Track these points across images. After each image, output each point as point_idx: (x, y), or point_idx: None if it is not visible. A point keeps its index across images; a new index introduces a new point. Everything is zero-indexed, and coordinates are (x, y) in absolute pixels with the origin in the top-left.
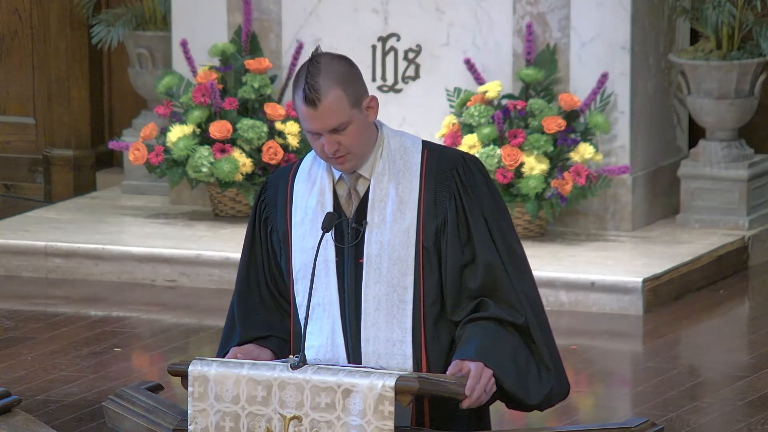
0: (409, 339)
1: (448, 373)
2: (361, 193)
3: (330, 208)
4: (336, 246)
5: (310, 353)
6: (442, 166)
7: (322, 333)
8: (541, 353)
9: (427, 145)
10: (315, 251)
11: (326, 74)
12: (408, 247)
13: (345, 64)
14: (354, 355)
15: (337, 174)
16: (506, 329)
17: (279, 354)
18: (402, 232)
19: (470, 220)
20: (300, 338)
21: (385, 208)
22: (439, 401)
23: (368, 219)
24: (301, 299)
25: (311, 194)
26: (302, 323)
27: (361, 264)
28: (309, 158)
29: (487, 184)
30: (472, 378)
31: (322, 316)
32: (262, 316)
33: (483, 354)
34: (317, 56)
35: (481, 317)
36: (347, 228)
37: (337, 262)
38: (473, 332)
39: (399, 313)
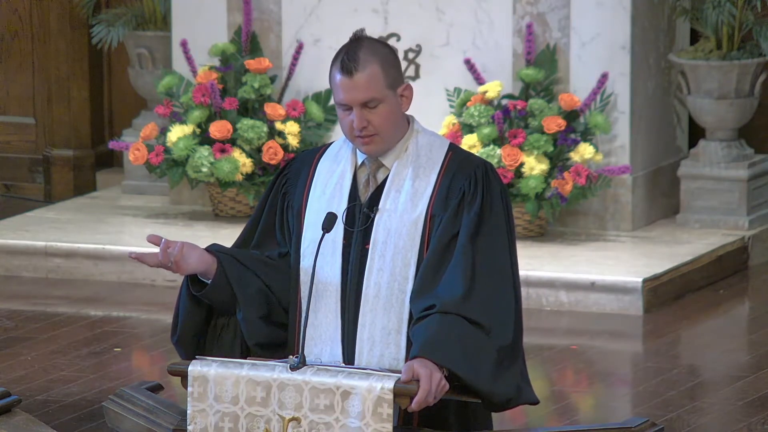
0: (405, 329)
1: (401, 379)
2: (380, 181)
3: (347, 191)
4: (345, 229)
5: (310, 331)
6: (462, 167)
7: (320, 310)
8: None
9: (453, 147)
10: (317, 247)
11: (367, 50)
12: (414, 238)
13: (387, 47)
14: (349, 338)
15: (360, 159)
16: (453, 319)
17: (224, 267)
18: (411, 223)
19: (466, 213)
20: (300, 323)
21: (399, 198)
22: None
23: (380, 205)
24: (304, 276)
25: (333, 174)
26: (303, 322)
27: (367, 249)
28: (339, 142)
29: (502, 194)
30: (423, 383)
31: (323, 296)
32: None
33: (427, 349)
34: (360, 36)
35: (428, 314)
36: (359, 212)
37: (344, 245)
38: (418, 331)
39: (397, 303)
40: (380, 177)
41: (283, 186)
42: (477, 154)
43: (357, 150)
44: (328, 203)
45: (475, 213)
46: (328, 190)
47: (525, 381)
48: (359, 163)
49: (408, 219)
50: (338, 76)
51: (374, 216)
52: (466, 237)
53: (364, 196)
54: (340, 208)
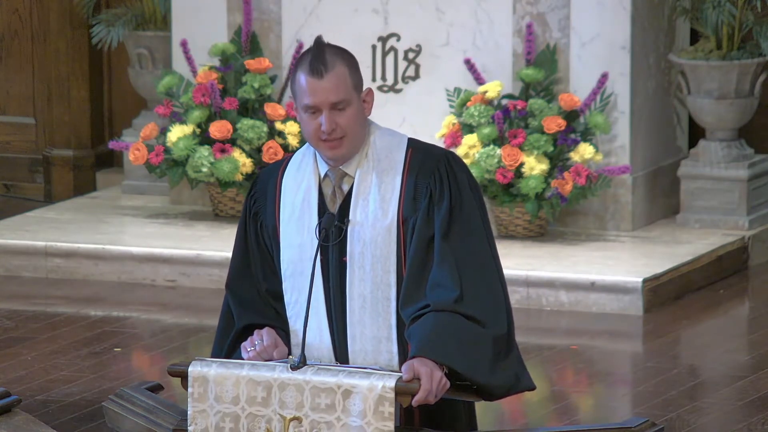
0: (395, 336)
1: (403, 378)
2: (346, 191)
3: (315, 206)
4: (321, 244)
5: (297, 352)
6: (425, 164)
7: (310, 330)
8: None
9: (412, 144)
10: (304, 250)
11: (332, 53)
12: (390, 245)
13: (348, 51)
14: (341, 352)
15: (323, 171)
16: (448, 315)
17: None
18: (384, 230)
19: (437, 212)
20: (293, 336)
21: (368, 206)
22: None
23: (351, 217)
24: (289, 297)
25: (298, 191)
26: (302, 322)
27: (345, 262)
28: (299, 154)
29: (469, 183)
30: (424, 382)
31: (309, 314)
32: (259, 304)
33: (425, 347)
34: (322, 41)
35: (422, 313)
36: (331, 226)
37: (321, 261)
38: (415, 330)
39: (384, 311)
40: (345, 187)
41: (253, 206)
42: (478, 152)
43: (319, 162)
44: (299, 221)
45: (446, 210)
46: (296, 209)
47: (522, 367)
48: (322, 175)
49: (381, 227)
50: (306, 79)
51: (346, 228)
52: (443, 236)
53: (333, 208)
54: (311, 224)
